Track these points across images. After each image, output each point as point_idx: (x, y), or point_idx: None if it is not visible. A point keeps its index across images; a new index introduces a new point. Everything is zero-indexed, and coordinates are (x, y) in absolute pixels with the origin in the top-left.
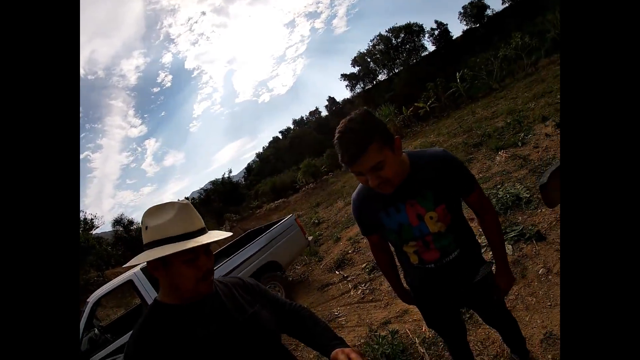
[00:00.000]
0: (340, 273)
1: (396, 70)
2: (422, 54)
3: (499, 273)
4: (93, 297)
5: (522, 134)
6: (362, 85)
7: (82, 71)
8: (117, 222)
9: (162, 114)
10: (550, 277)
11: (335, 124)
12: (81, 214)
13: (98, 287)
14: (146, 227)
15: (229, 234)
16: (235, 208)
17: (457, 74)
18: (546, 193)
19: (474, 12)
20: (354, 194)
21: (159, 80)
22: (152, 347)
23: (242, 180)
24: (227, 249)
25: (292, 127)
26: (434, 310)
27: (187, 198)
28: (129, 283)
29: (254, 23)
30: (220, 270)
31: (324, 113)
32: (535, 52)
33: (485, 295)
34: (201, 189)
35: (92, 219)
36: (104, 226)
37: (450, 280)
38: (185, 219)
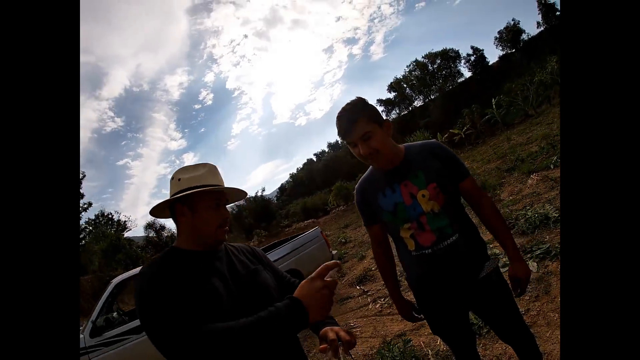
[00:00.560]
0: (360, 288)
1: (432, 97)
2: (458, 80)
3: (513, 261)
4: (116, 280)
5: (555, 157)
6: (397, 111)
7: (127, 82)
8: (150, 225)
9: (202, 130)
10: None
11: None
12: (115, 216)
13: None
14: (179, 179)
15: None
16: (266, 225)
17: (493, 100)
18: None
19: (509, 37)
20: (357, 183)
21: (201, 97)
22: (166, 283)
23: (275, 199)
24: None
25: (326, 150)
26: (437, 312)
27: None
28: None
29: (293, 48)
30: None
31: None
32: None
33: (493, 296)
34: (235, 205)
35: (125, 221)
36: (136, 229)
37: (451, 271)
38: (215, 175)
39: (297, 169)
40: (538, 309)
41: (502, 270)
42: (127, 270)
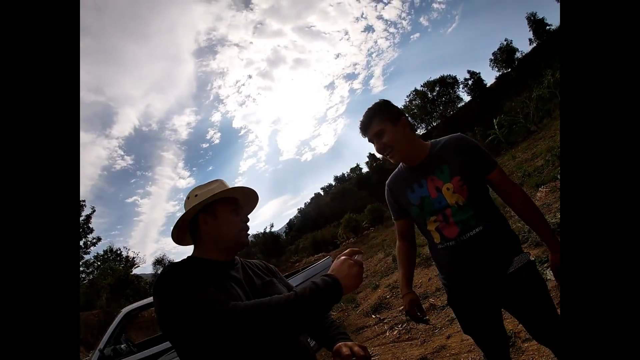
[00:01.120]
0: (376, 317)
1: (434, 124)
2: (459, 105)
3: (552, 251)
4: (126, 309)
5: None
6: None
7: (137, 122)
8: (158, 262)
9: (210, 168)
10: None
11: (377, 180)
12: (124, 252)
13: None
14: (195, 195)
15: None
16: (275, 260)
17: (494, 120)
18: None
19: (503, 57)
20: (387, 182)
21: (208, 136)
22: (189, 276)
23: (284, 235)
24: None
25: (333, 183)
26: (467, 308)
27: None
28: None
29: (296, 86)
30: None
31: (365, 169)
32: None
33: (524, 293)
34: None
35: (133, 258)
36: (145, 266)
37: (476, 264)
38: (226, 187)
39: (305, 203)
40: None
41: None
42: None
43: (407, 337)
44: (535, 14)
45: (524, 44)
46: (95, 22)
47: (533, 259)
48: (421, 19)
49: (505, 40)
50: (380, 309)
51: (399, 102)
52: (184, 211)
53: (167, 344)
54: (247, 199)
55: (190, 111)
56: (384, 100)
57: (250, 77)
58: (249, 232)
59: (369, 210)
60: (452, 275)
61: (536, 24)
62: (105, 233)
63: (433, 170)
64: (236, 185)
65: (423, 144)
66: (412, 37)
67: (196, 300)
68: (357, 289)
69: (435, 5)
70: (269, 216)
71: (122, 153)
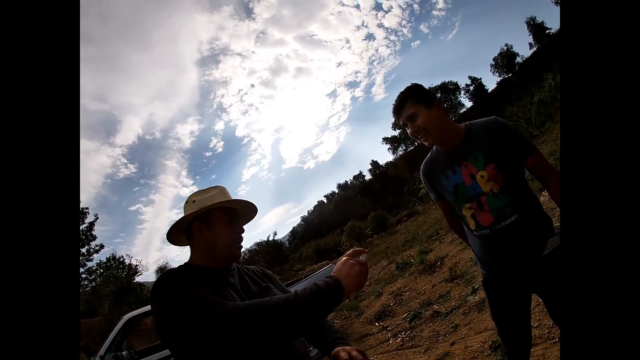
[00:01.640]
0: (380, 324)
1: None
2: (461, 111)
3: None
4: (127, 316)
5: None
6: (404, 148)
7: (140, 130)
8: (161, 270)
9: (213, 176)
10: None
11: (380, 187)
12: (126, 259)
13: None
14: (193, 201)
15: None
16: (279, 269)
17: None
18: None
19: (504, 62)
20: (421, 168)
21: (211, 145)
22: (186, 280)
23: (287, 243)
24: None
25: (336, 191)
26: (500, 293)
27: None
28: None
29: (298, 94)
30: None
31: (368, 177)
32: None
33: (556, 275)
34: (246, 249)
35: (136, 266)
36: (147, 274)
37: (511, 252)
38: (225, 195)
39: (309, 211)
40: None
41: None
42: None
43: (410, 344)
44: (535, 18)
45: (524, 49)
46: (98, 30)
47: None
48: (421, 27)
49: (505, 45)
50: (383, 316)
51: None
52: (183, 214)
53: (167, 352)
54: (245, 209)
55: (193, 120)
56: (415, 83)
57: (252, 86)
58: (242, 245)
59: (372, 218)
60: (487, 261)
61: (536, 28)
62: (108, 241)
63: (467, 156)
64: (238, 194)
65: (457, 127)
66: (412, 44)
67: (192, 303)
68: (360, 289)
69: (435, 13)
70: (272, 224)
71: (126, 161)
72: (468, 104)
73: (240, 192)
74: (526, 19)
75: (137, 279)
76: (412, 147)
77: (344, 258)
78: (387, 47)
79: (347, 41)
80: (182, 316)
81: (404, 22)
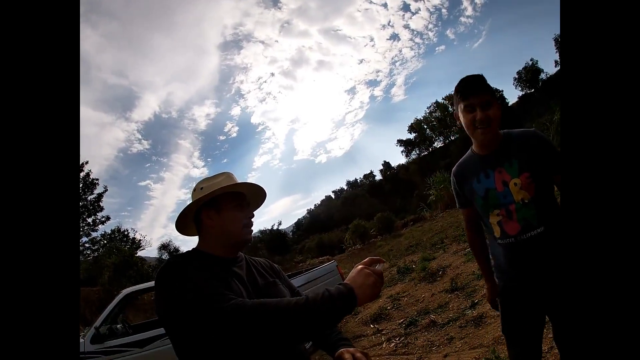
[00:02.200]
0: (375, 326)
1: (452, 137)
2: None
3: None
4: (126, 290)
5: None
6: (417, 152)
7: (157, 108)
8: (164, 247)
9: (225, 160)
10: None
11: (389, 189)
12: (131, 233)
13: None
14: (201, 188)
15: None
16: (280, 258)
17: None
18: None
19: (528, 76)
20: (453, 169)
21: (226, 129)
22: (193, 269)
23: (291, 234)
24: None
25: (345, 188)
26: (515, 307)
27: None
28: None
29: (317, 87)
30: None
31: (378, 177)
32: None
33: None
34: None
35: (140, 240)
36: (150, 249)
37: (533, 264)
38: (233, 180)
39: (315, 204)
40: None
41: None
42: None
43: (403, 351)
44: None
45: (549, 65)
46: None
47: None
48: (448, 32)
49: (531, 60)
50: (379, 319)
51: (419, 112)
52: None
53: (162, 330)
54: (253, 194)
55: (210, 103)
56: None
57: (272, 74)
58: (252, 229)
59: (379, 219)
60: (506, 271)
61: None
62: (115, 213)
63: (502, 162)
64: (248, 180)
65: (499, 136)
66: (437, 49)
67: (203, 293)
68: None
69: (463, 19)
70: (277, 214)
71: (140, 137)
72: None
73: (250, 179)
74: (555, 35)
75: (139, 253)
76: (426, 153)
77: (360, 267)
78: (411, 49)
79: (372, 39)
80: (191, 306)
81: (430, 26)
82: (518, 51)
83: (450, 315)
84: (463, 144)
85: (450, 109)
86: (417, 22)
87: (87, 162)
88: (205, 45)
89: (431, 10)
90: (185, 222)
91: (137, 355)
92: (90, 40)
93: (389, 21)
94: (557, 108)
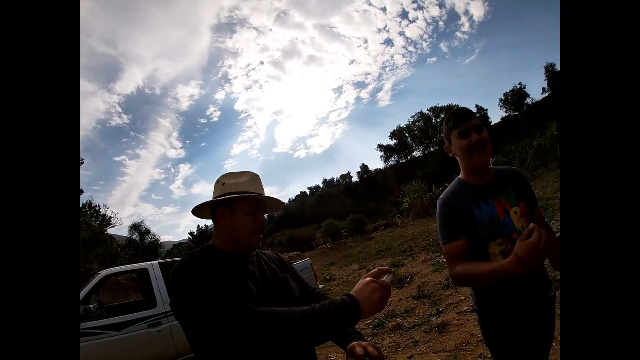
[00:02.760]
0: None
1: (431, 149)
2: None
3: None
4: (105, 271)
5: (546, 216)
6: (396, 159)
7: (141, 83)
8: (135, 227)
9: (203, 144)
10: None
11: (365, 191)
12: (102, 209)
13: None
14: (223, 183)
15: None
16: None
17: (491, 159)
18: None
19: (514, 99)
20: (442, 196)
21: (208, 112)
22: (207, 270)
23: None
24: None
25: (321, 185)
26: (515, 339)
27: (202, 228)
28: (144, 272)
29: (305, 82)
30: None
31: (355, 179)
32: None
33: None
34: None
35: (110, 217)
36: (120, 227)
37: (530, 288)
38: (256, 184)
39: (289, 199)
40: None
41: None
42: (104, 266)
43: None
44: (554, 65)
45: (536, 92)
46: None
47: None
48: (442, 44)
49: (519, 84)
50: None
51: (403, 120)
52: (213, 191)
53: (139, 314)
54: (272, 202)
55: (195, 84)
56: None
57: (262, 63)
58: (261, 236)
59: (351, 220)
60: (500, 298)
61: (553, 74)
62: (86, 186)
63: (500, 192)
64: (224, 168)
65: (490, 170)
66: (429, 59)
67: (215, 298)
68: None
69: (458, 34)
70: None
71: (120, 110)
72: None
73: (226, 166)
74: (546, 63)
75: (109, 230)
76: (404, 160)
77: (368, 279)
78: (403, 56)
79: (365, 41)
80: (203, 309)
81: (425, 36)
82: (507, 74)
83: (416, 320)
84: (442, 157)
85: (433, 120)
86: (413, 31)
87: None
88: (199, 24)
89: (429, 21)
90: (202, 209)
91: (114, 339)
92: (84, 4)
93: (385, 26)
94: (538, 134)
